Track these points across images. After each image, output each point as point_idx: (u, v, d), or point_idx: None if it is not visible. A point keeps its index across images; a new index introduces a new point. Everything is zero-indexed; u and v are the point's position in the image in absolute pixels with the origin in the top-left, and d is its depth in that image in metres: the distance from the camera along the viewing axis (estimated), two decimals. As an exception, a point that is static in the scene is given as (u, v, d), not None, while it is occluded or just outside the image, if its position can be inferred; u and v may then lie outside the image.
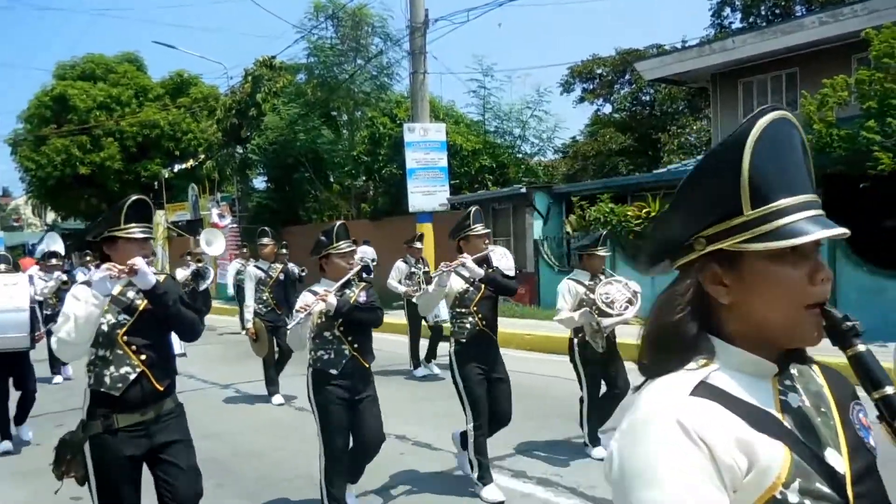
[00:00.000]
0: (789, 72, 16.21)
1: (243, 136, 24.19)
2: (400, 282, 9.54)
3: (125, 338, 3.17)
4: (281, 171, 23.41)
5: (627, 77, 28.73)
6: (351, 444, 4.36)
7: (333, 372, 4.20)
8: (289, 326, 4.06)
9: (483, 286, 4.86)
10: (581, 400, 5.70)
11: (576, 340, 5.58)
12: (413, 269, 9.62)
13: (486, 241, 4.97)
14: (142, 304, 3.23)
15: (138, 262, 3.08)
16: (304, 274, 9.55)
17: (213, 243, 13.26)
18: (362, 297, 4.36)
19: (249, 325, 8.08)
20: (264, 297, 8.27)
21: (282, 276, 8.43)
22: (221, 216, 22.36)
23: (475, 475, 4.86)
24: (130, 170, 31.53)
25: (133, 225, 3.18)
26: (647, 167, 24.58)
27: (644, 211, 13.09)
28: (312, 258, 4.46)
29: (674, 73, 18.32)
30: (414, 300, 8.79)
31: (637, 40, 55.20)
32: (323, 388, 4.20)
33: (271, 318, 8.20)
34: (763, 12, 25.96)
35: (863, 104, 10.60)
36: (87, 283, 3.12)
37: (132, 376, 3.16)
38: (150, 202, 3.30)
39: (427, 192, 16.39)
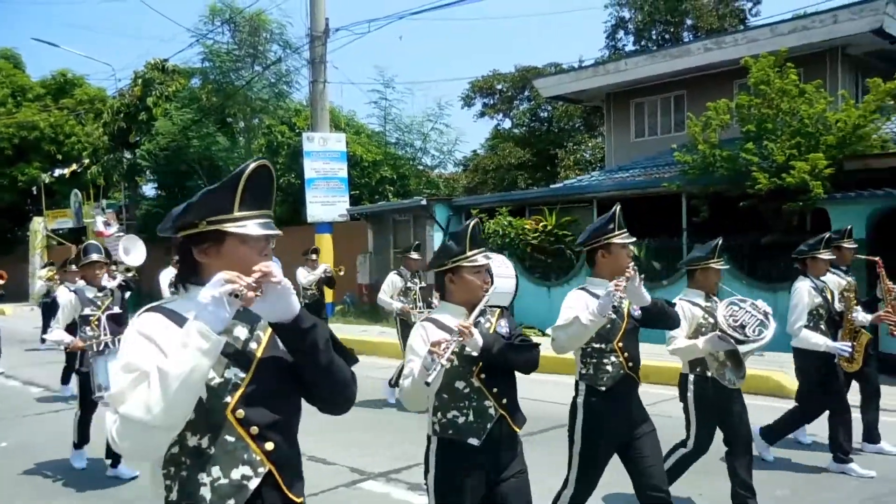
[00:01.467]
0: (678, 94, 17.05)
1: (132, 141, 23.17)
2: (393, 297, 8.35)
3: (241, 411, 1.79)
4: (173, 178, 22.56)
5: (526, 93, 29.46)
6: None
7: (474, 442, 2.86)
8: (405, 381, 2.78)
9: (627, 316, 3.59)
10: (683, 446, 4.51)
11: (692, 377, 4.40)
12: (409, 284, 8.40)
13: (630, 253, 3.69)
14: (260, 349, 1.89)
15: (275, 269, 1.76)
16: None
17: (132, 251, 11.81)
18: (503, 328, 3.06)
19: None
20: None
21: None
22: (107, 224, 21.24)
23: None
24: (5, 173, 29.48)
25: (250, 213, 1.86)
26: (545, 182, 25.23)
27: (541, 224, 13.37)
28: (430, 271, 3.19)
29: (570, 91, 18.93)
30: (413, 320, 7.69)
31: (536, 58, 56.78)
32: (458, 468, 2.86)
33: None
34: (654, 37, 27.27)
35: (743, 127, 11.27)
36: (160, 311, 1.83)
37: (253, 483, 1.81)
38: (273, 173, 1.95)
39: (326, 203, 16.17)
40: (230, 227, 1.83)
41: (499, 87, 30.48)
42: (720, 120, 11.37)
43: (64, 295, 10.14)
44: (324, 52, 15.25)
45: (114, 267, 11.02)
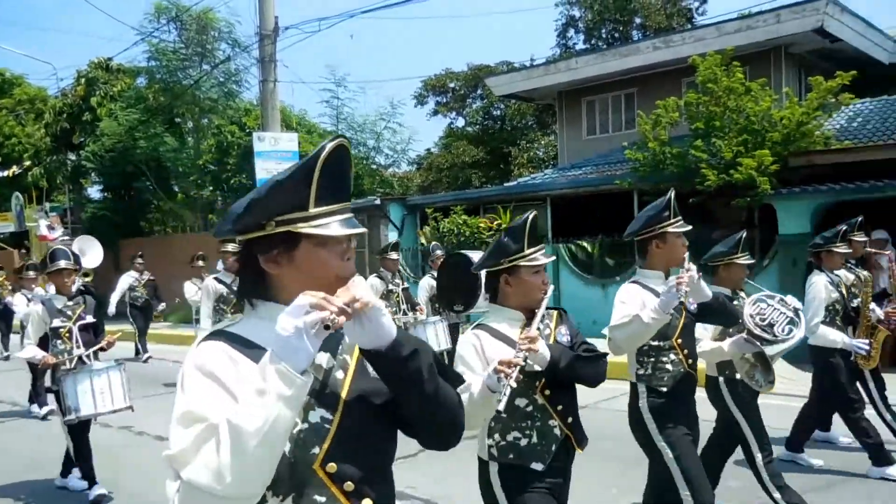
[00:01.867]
0: (628, 92, 17.27)
1: (76, 142, 22.46)
2: None
3: (332, 464, 1.46)
4: (119, 180, 21.99)
5: (479, 92, 29.54)
6: None
7: (538, 467, 2.55)
8: (469, 395, 2.41)
9: (684, 310, 3.32)
10: (758, 452, 4.14)
11: (721, 379, 4.17)
12: (391, 287, 7.89)
13: (686, 243, 3.42)
14: (347, 379, 1.53)
15: (363, 288, 1.42)
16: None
17: (88, 252, 10.68)
18: (564, 336, 2.72)
19: None
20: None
21: None
22: (51, 228, 20.59)
23: None
24: (-59, 176, 28.38)
25: (330, 208, 1.49)
26: (499, 180, 25.34)
27: (496, 223, 13.39)
28: (478, 271, 2.80)
29: (523, 89, 19.03)
30: (399, 325, 7.65)
31: (488, 56, 57.04)
32: (522, 495, 2.55)
33: None
34: (604, 35, 27.60)
35: (691, 125, 11.46)
36: (223, 337, 1.47)
37: None
38: (350, 154, 1.55)
39: (279, 204, 15.92)
40: (306, 228, 1.45)
41: (451, 85, 30.47)
42: (669, 118, 11.54)
43: (22, 304, 9.45)
44: (273, 51, 15.00)
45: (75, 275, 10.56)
